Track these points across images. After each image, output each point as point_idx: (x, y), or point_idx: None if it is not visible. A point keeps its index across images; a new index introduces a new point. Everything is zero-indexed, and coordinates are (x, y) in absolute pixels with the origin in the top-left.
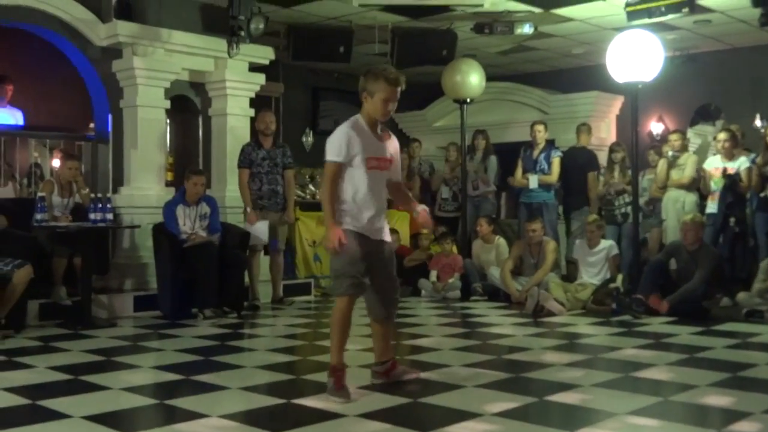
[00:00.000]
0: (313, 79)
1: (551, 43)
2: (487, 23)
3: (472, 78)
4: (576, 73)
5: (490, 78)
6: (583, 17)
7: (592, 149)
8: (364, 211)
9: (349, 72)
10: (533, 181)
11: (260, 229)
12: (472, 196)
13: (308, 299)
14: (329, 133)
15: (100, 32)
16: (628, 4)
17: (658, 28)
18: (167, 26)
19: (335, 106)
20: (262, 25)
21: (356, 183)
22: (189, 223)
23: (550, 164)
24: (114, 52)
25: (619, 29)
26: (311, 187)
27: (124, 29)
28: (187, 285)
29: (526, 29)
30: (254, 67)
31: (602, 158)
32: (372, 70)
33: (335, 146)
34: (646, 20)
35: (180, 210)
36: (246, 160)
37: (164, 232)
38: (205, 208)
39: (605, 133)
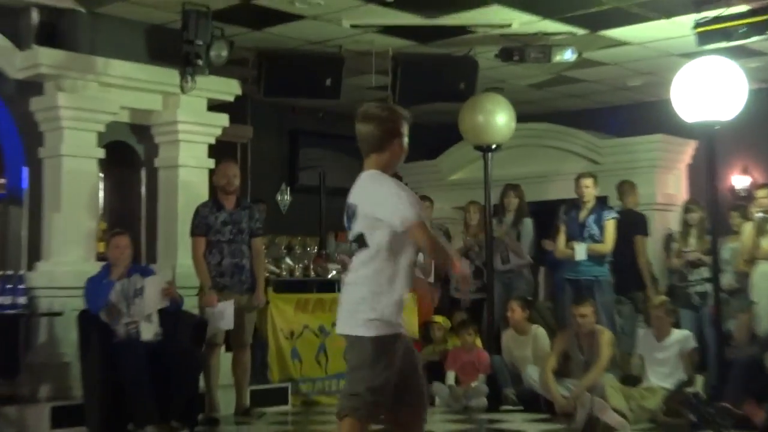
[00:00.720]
0: (291, 120)
1: (600, 73)
2: (517, 48)
3: (499, 118)
4: (633, 111)
5: (521, 118)
6: (641, 40)
7: (642, 209)
8: (400, 296)
9: (338, 111)
10: (581, 251)
11: (221, 316)
12: (501, 271)
13: (284, 410)
14: (311, 190)
15: (15, 61)
16: (698, 24)
17: (737, 53)
18: (103, 54)
19: (320, 155)
20: (225, 52)
21: (400, 257)
22: (123, 305)
23: (602, 229)
24: (33, 86)
25: (687, 55)
26: (288, 260)
27: (46, 57)
28: (123, 392)
29: (567, 56)
30: (215, 105)
31: (671, 221)
32: (390, 107)
33: (410, 199)
34: (723, 44)
35: (113, 289)
36: (202, 225)
37: (94, 322)
38: (139, 282)
39: (674, 188)
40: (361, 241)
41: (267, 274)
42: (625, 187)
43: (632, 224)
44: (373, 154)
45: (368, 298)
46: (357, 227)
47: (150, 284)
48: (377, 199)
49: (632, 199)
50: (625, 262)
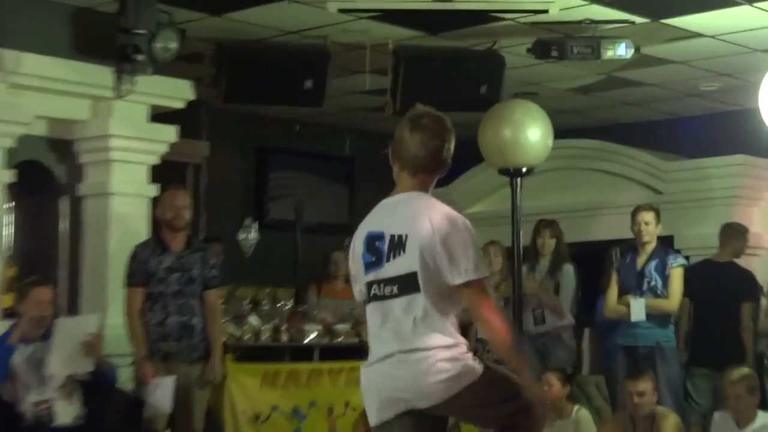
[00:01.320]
0: (259, 134)
1: (664, 73)
2: (556, 41)
3: (531, 133)
4: (707, 124)
5: (560, 133)
6: (718, 31)
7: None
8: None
9: (321, 123)
10: (638, 308)
11: (161, 394)
12: (534, 335)
13: None
14: (284, 226)
15: None
16: None
17: None
18: (12, 46)
19: (296, 181)
20: (174, 44)
21: (453, 308)
22: (35, 379)
23: (665, 279)
24: None
25: None
26: (253, 319)
27: None
28: None
29: (622, 51)
30: (160, 114)
31: (756, 268)
32: (444, 117)
33: (478, 253)
34: None
35: (18, 355)
36: (140, 272)
37: None
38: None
39: (761, 225)
40: (407, 283)
41: (225, 338)
42: (730, 231)
43: (736, 284)
44: (422, 173)
45: (448, 356)
46: (405, 263)
47: (62, 333)
48: (446, 236)
49: (737, 247)
50: (719, 333)
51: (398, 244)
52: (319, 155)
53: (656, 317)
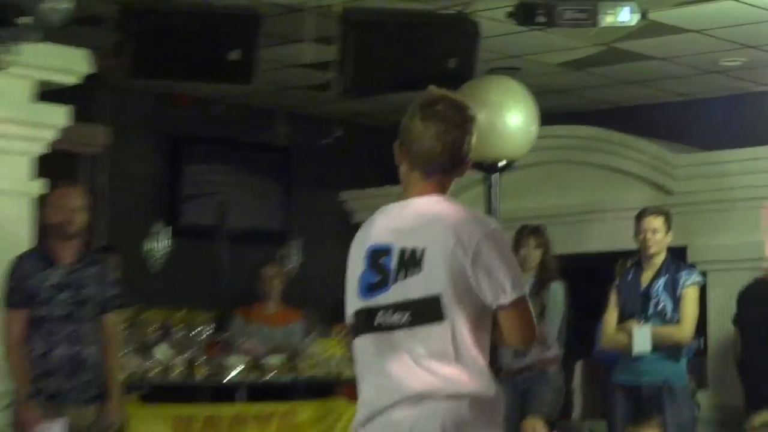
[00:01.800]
0: (172, 117)
1: (676, 45)
2: (543, 4)
3: (511, 117)
4: (728, 108)
5: (548, 117)
6: None
7: None
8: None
9: (250, 104)
10: (642, 337)
11: None
12: (514, 370)
13: None
14: (202, 232)
15: None
16: None
17: None
18: None
19: (218, 176)
20: (66, 4)
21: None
22: None
23: (677, 301)
24: None
25: None
26: (161, 351)
27: None
28: None
29: (625, 16)
30: (48, 92)
31: None
32: (465, 102)
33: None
34: None
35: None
36: (20, 291)
37: None
38: None
39: None
40: (425, 310)
41: (127, 374)
42: None
43: None
44: (439, 174)
45: (487, 400)
46: (422, 284)
47: None
48: (482, 248)
49: None
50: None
51: (411, 261)
52: (247, 144)
53: (665, 349)
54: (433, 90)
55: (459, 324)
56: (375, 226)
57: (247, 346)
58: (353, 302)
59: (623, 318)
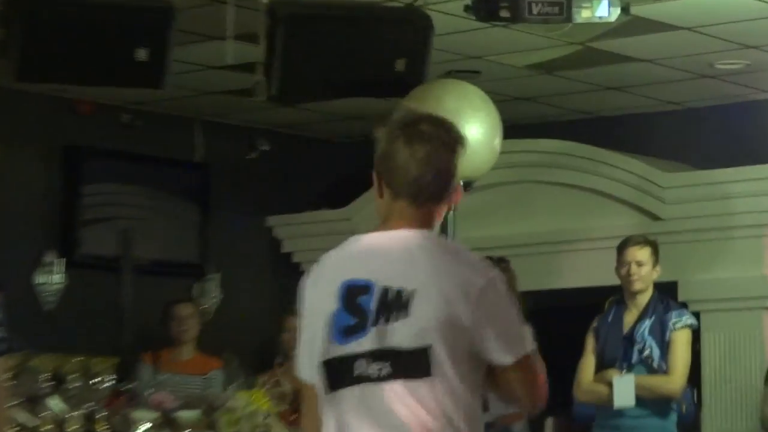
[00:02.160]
0: (69, 127)
1: (665, 44)
2: None
3: (470, 129)
4: (723, 119)
5: (513, 130)
6: None
7: None
8: None
9: (158, 112)
10: (624, 389)
11: None
12: None
13: None
14: (102, 264)
15: None
16: None
17: None
18: None
19: (123, 197)
20: None
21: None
22: None
23: (666, 347)
24: None
25: None
26: (54, 404)
27: None
28: None
29: (603, 10)
30: None
31: None
32: (444, 119)
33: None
34: None
35: None
36: None
37: None
38: None
39: None
40: (409, 362)
41: (13, 430)
42: None
43: None
44: (430, 203)
45: None
46: (409, 332)
47: None
48: (485, 299)
49: None
50: None
51: (396, 303)
52: (157, 160)
53: (651, 403)
54: (408, 107)
55: (447, 382)
56: (349, 258)
57: (156, 399)
58: (323, 349)
59: (602, 366)
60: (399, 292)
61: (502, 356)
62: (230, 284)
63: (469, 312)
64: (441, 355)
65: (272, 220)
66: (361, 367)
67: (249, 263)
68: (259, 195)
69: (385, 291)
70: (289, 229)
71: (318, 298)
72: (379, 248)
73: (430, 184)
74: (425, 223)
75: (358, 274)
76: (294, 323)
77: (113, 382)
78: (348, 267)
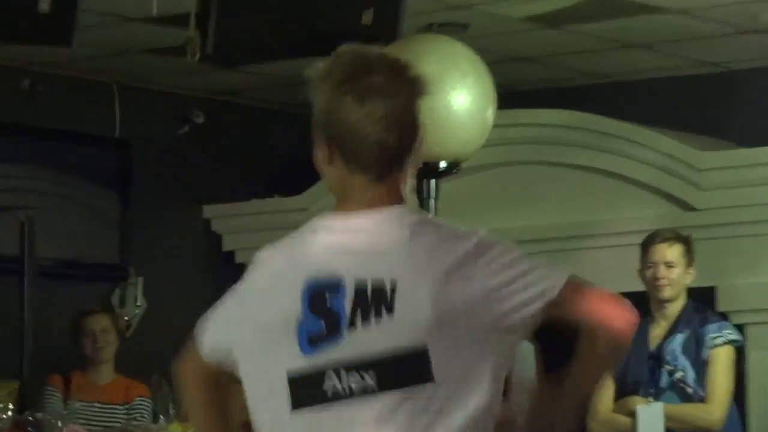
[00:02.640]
0: None
1: None
2: None
3: (456, 98)
4: None
5: (510, 97)
6: None
7: None
8: None
9: (68, 75)
10: (650, 419)
11: None
12: None
13: None
14: None
15: None
16: None
17: None
18: None
19: (22, 182)
20: None
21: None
22: None
23: (702, 367)
24: None
25: None
26: None
27: None
28: None
29: None
30: None
31: None
32: (397, 58)
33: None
34: None
35: None
36: None
37: None
38: None
39: None
40: (400, 369)
41: None
42: None
43: None
44: (394, 171)
45: None
46: (394, 333)
47: None
48: (490, 265)
49: None
50: None
51: (376, 299)
52: (66, 135)
53: None
54: (349, 50)
55: (455, 385)
56: (311, 248)
57: (71, 429)
58: (284, 361)
59: (623, 392)
60: (378, 286)
61: (540, 293)
62: (157, 290)
63: (470, 284)
64: (442, 353)
65: (209, 211)
66: (332, 382)
67: (181, 264)
68: (192, 179)
69: (361, 286)
70: (231, 221)
71: (273, 296)
72: (344, 237)
73: (395, 149)
74: (393, 196)
75: (324, 267)
76: None
77: (13, 411)
78: (310, 261)
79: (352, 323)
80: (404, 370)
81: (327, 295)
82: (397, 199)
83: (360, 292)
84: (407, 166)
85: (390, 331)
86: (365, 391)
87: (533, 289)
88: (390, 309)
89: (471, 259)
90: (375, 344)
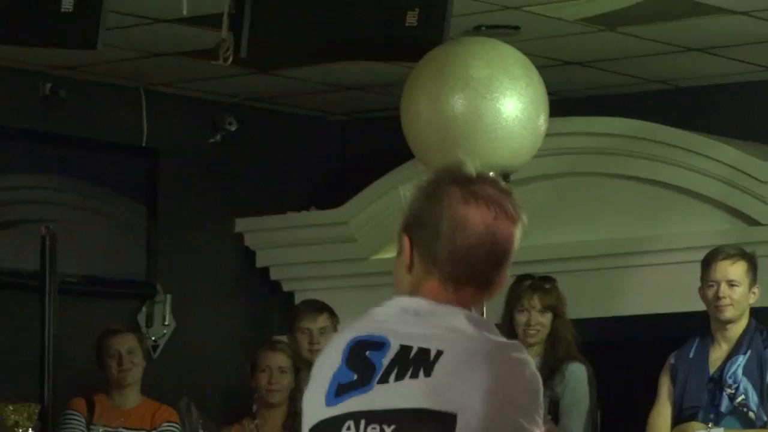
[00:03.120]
0: None
1: None
2: None
3: (507, 105)
4: None
5: (563, 104)
6: None
7: None
8: None
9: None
10: None
11: None
12: None
13: None
14: (18, 280)
15: None
16: None
17: None
18: None
19: (45, 192)
20: None
21: None
22: None
23: (764, 390)
24: None
25: None
26: None
27: None
28: None
29: None
30: None
31: None
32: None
33: None
34: None
35: None
36: None
37: None
38: None
39: None
40: (426, 426)
41: None
42: None
43: None
44: (472, 288)
45: None
46: (424, 392)
47: None
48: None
49: None
50: None
51: (418, 360)
52: (89, 144)
53: None
54: (459, 158)
55: None
56: (367, 318)
57: None
58: (313, 414)
59: (682, 417)
60: (424, 351)
61: None
62: (186, 309)
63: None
64: (471, 425)
65: (242, 224)
66: (348, 429)
67: (212, 281)
68: (224, 191)
69: (405, 348)
70: (266, 236)
71: (320, 364)
72: (399, 312)
73: (484, 260)
74: (473, 317)
75: (373, 330)
76: (272, 359)
77: None
78: (363, 325)
79: (386, 377)
80: (428, 428)
81: (367, 352)
82: (477, 321)
83: (403, 352)
84: (487, 289)
85: (421, 391)
86: None
87: None
88: (429, 373)
89: (518, 388)
90: (408, 399)
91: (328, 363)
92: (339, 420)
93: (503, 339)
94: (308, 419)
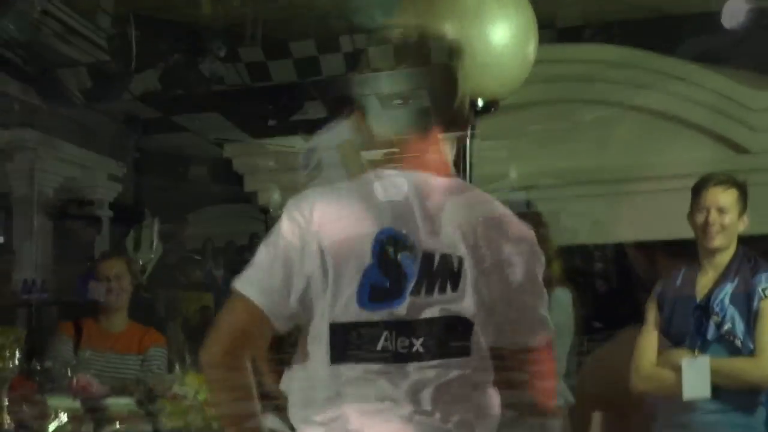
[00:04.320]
0: None
1: None
2: None
3: (496, 31)
4: None
5: (551, 31)
6: None
7: None
8: None
9: None
10: (697, 374)
11: None
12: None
13: None
14: None
15: None
16: None
17: None
18: None
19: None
20: None
21: None
22: None
23: (753, 319)
24: None
25: None
26: None
27: None
28: None
29: None
30: None
31: None
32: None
33: None
34: None
35: None
36: None
37: None
38: None
39: None
40: (446, 336)
41: None
42: None
43: None
44: (443, 124)
45: None
46: (451, 304)
47: None
48: (520, 268)
49: None
50: None
51: (444, 273)
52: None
53: (733, 393)
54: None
55: (482, 364)
56: (385, 200)
57: (78, 384)
58: (344, 309)
59: (668, 345)
60: (448, 258)
61: (521, 336)
62: (173, 232)
63: (509, 282)
64: (479, 334)
65: (229, 149)
66: (390, 341)
67: (198, 205)
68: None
69: (430, 256)
70: (253, 160)
71: (344, 255)
72: (416, 194)
73: (447, 97)
74: (444, 162)
75: (398, 225)
76: None
77: (18, 361)
78: (385, 212)
79: (417, 289)
80: (449, 339)
81: (399, 254)
82: (448, 165)
83: (429, 262)
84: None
85: (450, 303)
86: (412, 355)
87: (530, 322)
88: (456, 286)
89: (519, 255)
90: (435, 310)
91: (356, 255)
92: (377, 328)
93: (489, 201)
94: (338, 311)
